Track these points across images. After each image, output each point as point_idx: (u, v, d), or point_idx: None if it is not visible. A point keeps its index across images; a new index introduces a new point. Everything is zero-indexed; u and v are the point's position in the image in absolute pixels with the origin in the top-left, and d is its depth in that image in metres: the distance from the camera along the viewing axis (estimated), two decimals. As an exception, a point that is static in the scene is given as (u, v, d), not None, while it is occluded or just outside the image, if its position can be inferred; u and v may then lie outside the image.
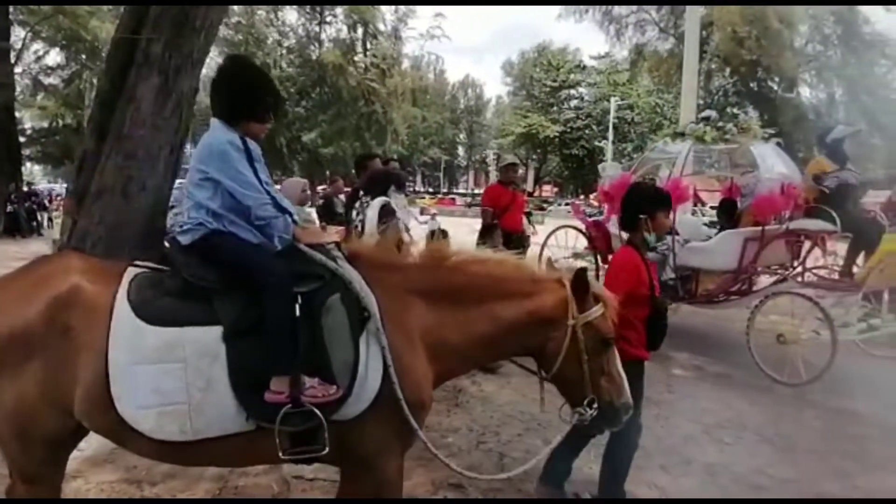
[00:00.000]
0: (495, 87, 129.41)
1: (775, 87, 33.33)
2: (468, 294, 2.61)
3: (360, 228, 4.95)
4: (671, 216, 3.72)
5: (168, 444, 2.28)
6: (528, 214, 8.46)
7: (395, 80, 40.16)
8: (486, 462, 4.16)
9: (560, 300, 2.64)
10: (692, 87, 14.88)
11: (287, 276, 2.40)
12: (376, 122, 39.37)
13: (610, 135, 41.94)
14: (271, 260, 2.48)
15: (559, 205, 40.23)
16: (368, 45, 40.48)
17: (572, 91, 57.77)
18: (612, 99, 44.11)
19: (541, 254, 8.89)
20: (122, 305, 2.30)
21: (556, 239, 8.87)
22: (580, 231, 8.39)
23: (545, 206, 39.83)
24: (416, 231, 5.75)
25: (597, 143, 49.31)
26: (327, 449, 2.32)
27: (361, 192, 5.49)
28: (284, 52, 41.40)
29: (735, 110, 33.46)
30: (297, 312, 2.36)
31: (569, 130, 52.38)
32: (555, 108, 56.08)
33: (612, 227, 7.08)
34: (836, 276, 6.51)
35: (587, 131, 51.63)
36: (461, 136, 74.41)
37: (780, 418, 5.10)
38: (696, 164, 7.92)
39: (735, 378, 6.12)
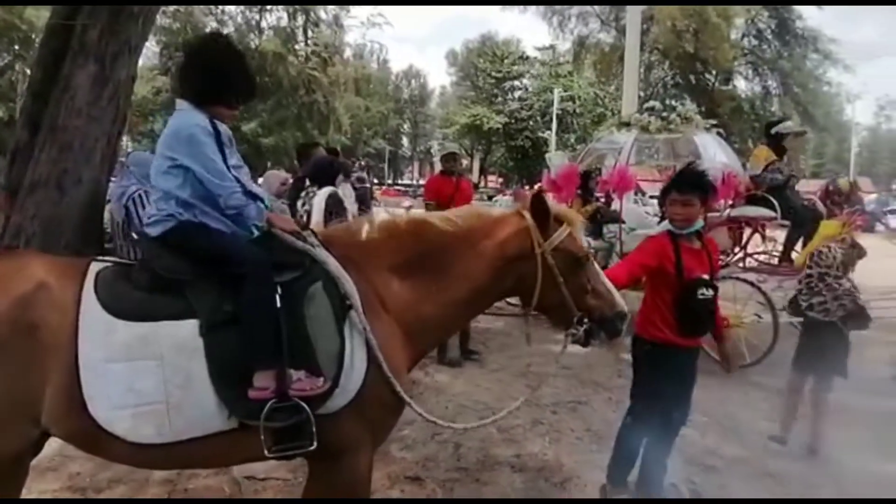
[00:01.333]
0: (439, 77, 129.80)
1: (712, 80, 34.28)
2: (439, 259, 2.54)
3: (305, 219, 4.81)
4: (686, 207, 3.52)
5: (145, 447, 2.13)
6: None
7: (337, 69, 39.69)
8: (441, 453, 4.15)
9: (522, 232, 2.58)
10: (633, 79, 15.16)
11: (266, 264, 2.29)
12: (318, 111, 38.83)
13: (554, 126, 42.42)
14: (248, 248, 2.36)
15: (504, 195, 40.44)
16: (309, 34, 39.82)
17: (516, 82, 58.11)
18: (556, 90, 44.60)
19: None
20: (89, 301, 2.14)
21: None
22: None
23: (491, 197, 40.04)
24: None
25: (541, 134, 49.76)
26: (315, 444, 2.19)
27: (307, 182, 5.33)
28: (223, 40, 40.29)
29: (674, 102, 34.34)
30: (278, 303, 2.24)
31: (513, 121, 52.67)
32: (499, 99, 56.29)
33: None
34: (775, 262, 6.74)
35: (531, 122, 52.02)
36: (405, 126, 73.97)
37: (726, 400, 5.25)
38: (638, 154, 8.07)
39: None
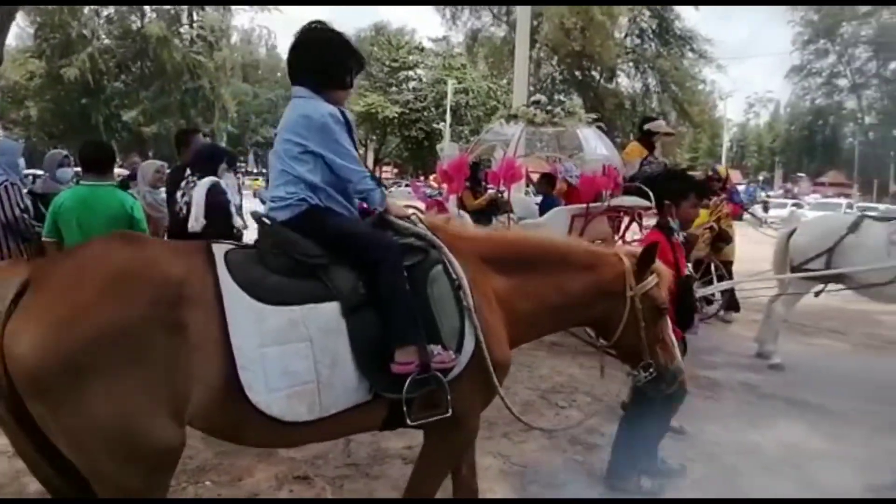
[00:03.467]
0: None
1: (598, 77, 35.70)
2: (536, 265, 2.75)
3: (185, 211, 4.56)
4: (697, 207, 3.86)
5: (297, 425, 2.23)
6: None
7: (224, 54, 38.14)
8: (331, 450, 4.07)
9: (619, 273, 2.83)
10: (523, 74, 15.47)
11: (398, 249, 2.45)
12: (203, 98, 37.15)
13: (448, 117, 42.72)
14: (380, 235, 2.51)
15: (399, 186, 40.41)
16: (195, 16, 37.92)
17: (411, 72, 58.02)
18: (450, 82, 44.91)
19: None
20: (230, 288, 2.16)
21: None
22: (420, 210, 8.44)
23: (388, 188, 39.86)
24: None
25: (435, 125, 50.04)
26: (451, 411, 2.38)
27: (188, 171, 5.05)
28: (103, 21, 37.63)
29: (562, 97, 35.50)
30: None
31: (408, 111, 52.59)
32: (394, 89, 55.98)
33: (452, 206, 7.21)
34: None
35: (426, 113, 52.16)
36: (297, 115, 72.05)
37: (608, 380, 5.47)
38: (527, 146, 8.26)
39: (566, 346, 6.49)
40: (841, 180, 56.16)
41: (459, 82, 47.10)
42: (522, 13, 15.96)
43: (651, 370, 2.90)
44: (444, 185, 7.89)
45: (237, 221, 4.71)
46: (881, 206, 33.18)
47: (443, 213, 7.64)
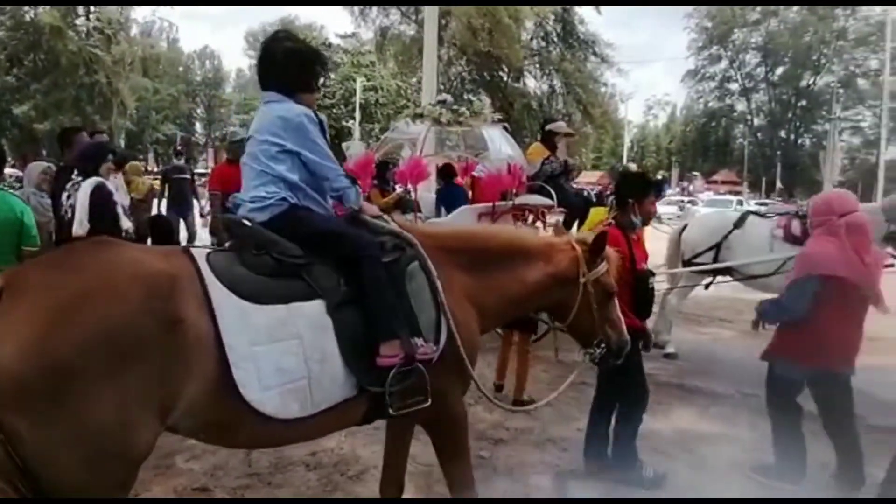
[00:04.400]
0: (236, 59, 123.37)
1: (505, 78, 36.24)
2: (497, 259, 2.88)
3: (70, 215, 4.27)
4: (656, 203, 4.09)
5: (289, 422, 2.25)
6: None
7: (122, 48, 36.07)
8: (231, 460, 3.95)
9: (573, 261, 3.00)
10: (432, 73, 15.47)
11: (377, 247, 2.53)
12: (100, 93, 35.04)
13: (357, 115, 42.35)
14: (360, 232, 2.59)
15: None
16: (91, 8, 35.74)
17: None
18: (359, 79, 44.53)
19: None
20: (217, 288, 2.15)
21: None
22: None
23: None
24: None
25: (345, 123, 49.49)
26: (430, 400, 2.51)
27: (75, 172, 4.74)
28: (-8, 11, 34.81)
29: (471, 96, 35.79)
30: None
31: (316, 108, 51.60)
32: (301, 86, 54.85)
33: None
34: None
35: (334, 110, 51.47)
36: (199, 110, 69.56)
37: (512, 374, 5.57)
38: (437, 145, 8.29)
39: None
40: (732, 178, 59.77)
41: (368, 80, 46.82)
42: (430, 12, 15.94)
43: (602, 346, 3.11)
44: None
45: (125, 224, 4.45)
46: (768, 202, 35.52)
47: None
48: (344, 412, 2.43)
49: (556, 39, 35.54)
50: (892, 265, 5.54)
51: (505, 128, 7.62)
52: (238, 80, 70.52)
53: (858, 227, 3.66)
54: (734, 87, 56.87)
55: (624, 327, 3.20)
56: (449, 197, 7.02)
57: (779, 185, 52.95)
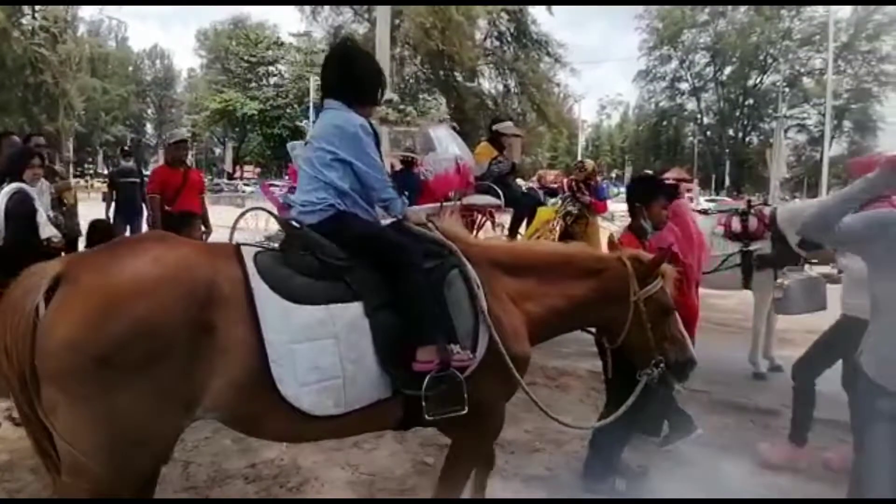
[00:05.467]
0: (187, 59, 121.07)
1: (459, 77, 36.30)
2: (543, 271, 2.86)
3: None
4: (666, 209, 3.93)
5: (322, 419, 2.33)
6: None
7: (69, 47, 35.08)
8: (169, 473, 3.76)
9: (623, 279, 2.90)
10: (385, 71, 15.37)
11: (420, 254, 2.57)
12: (46, 94, 33.98)
13: (311, 115, 41.82)
14: (404, 239, 2.62)
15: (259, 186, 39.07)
16: (37, 7, 34.51)
17: (272, 67, 56.29)
18: (312, 78, 44.04)
19: (230, 238, 8.34)
20: (260, 287, 2.26)
21: (246, 222, 8.48)
22: (272, 213, 8.09)
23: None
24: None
25: (299, 123, 48.91)
26: (466, 408, 2.51)
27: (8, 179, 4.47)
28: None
29: (426, 96, 35.81)
30: None
31: (269, 108, 51.02)
32: (254, 85, 54.11)
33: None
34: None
35: (288, 110, 50.88)
36: (149, 111, 68.01)
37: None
38: (389, 145, 8.18)
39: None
40: (683, 176, 60.77)
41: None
42: (382, 11, 15.80)
43: (661, 367, 2.93)
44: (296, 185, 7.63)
45: (46, 231, 4.19)
46: (718, 198, 36.33)
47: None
48: (377, 412, 2.48)
49: (509, 39, 35.79)
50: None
51: (454, 127, 7.57)
52: (189, 80, 69.06)
53: None
54: (684, 86, 58.12)
55: (689, 346, 3.03)
56: (402, 183, 6.91)
57: (728, 181, 54.22)
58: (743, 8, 50.88)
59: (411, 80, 36.59)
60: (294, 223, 2.62)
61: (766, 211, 6.20)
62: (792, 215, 5.80)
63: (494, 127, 7.45)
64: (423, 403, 2.45)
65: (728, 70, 55.49)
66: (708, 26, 53.74)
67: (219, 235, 7.29)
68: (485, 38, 36.48)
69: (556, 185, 9.49)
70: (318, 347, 2.31)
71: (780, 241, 5.83)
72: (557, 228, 6.99)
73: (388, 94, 7.84)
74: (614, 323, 2.96)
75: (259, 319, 2.21)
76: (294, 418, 2.30)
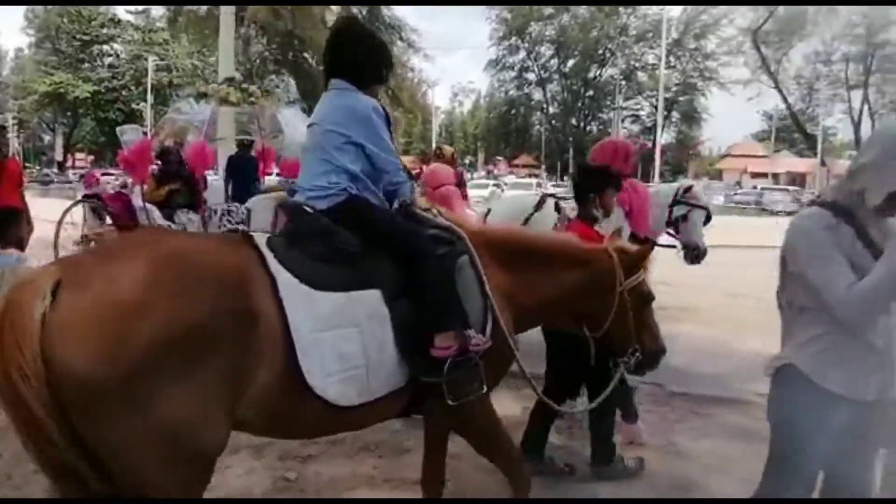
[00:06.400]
0: (13, 38, 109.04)
1: (311, 60, 35.24)
2: (534, 260, 2.80)
3: None
4: (614, 196, 3.95)
5: (346, 409, 2.24)
6: None
7: None
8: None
9: (610, 270, 2.87)
10: (229, 52, 14.42)
11: (431, 240, 2.54)
12: None
13: (149, 97, 39.12)
14: (414, 226, 2.59)
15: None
16: None
17: (106, 47, 51.89)
18: (150, 58, 41.08)
19: (56, 234, 7.36)
20: (282, 274, 2.12)
21: (72, 216, 7.52)
22: (101, 204, 7.24)
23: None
24: None
25: (135, 106, 45.48)
26: (485, 388, 2.50)
27: None
28: None
29: (276, 78, 34.48)
30: None
31: (104, 91, 47.08)
32: (87, 65, 49.65)
33: (137, 198, 6.26)
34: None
35: (125, 92, 47.19)
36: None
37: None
38: (230, 127, 7.57)
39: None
40: (531, 162, 63.72)
41: (162, 59, 43.41)
42: (224, -15, 14.83)
43: (637, 355, 2.98)
44: (128, 173, 6.85)
45: None
46: (564, 184, 38.15)
47: (121, 206, 6.63)
48: (393, 401, 2.43)
49: (362, 22, 35.23)
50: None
51: (303, 109, 7.13)
52: (17, 61, 61.82)
53: None
54: (531, 76, 60.54)
55: (660, 334, 3.08)
56: (239, 169, 6.40)
57: (572, 168, 57.33)
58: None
59: (258, 61, 35.11)
60: (306, 207, 2.49)
61: None
62: None
63: None
64: (445, 388, 2.42)
65: (571, 63, 58.47)
66: (553, 20, 56.19)
67: (44, 232, 6.39)
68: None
69: (416, 172, 9.26)
70: (343, 335, 2.22)
71: None
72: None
73: (230, 73, 7.26)
74: (599, 313, 2.95)
75: (284, 307, 2.08)
76: (319, 411, 2.20)
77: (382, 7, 34.73)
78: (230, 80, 6.76)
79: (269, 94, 6.63)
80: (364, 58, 2.64)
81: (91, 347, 1.71)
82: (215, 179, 7.03)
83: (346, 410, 2.26)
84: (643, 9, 51.00)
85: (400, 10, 34.52)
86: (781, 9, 47.14)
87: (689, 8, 49.62)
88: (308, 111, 7.34)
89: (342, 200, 2.50)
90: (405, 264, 2.44)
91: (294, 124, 6.51)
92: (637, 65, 55.98)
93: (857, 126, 50.35)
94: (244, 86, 6.60)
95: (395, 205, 2.77)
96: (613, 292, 2.90)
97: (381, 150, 2.57)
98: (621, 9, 52.56)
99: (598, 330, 2.99)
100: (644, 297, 3.01)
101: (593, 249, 3.02)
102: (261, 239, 2.25)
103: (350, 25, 2.77)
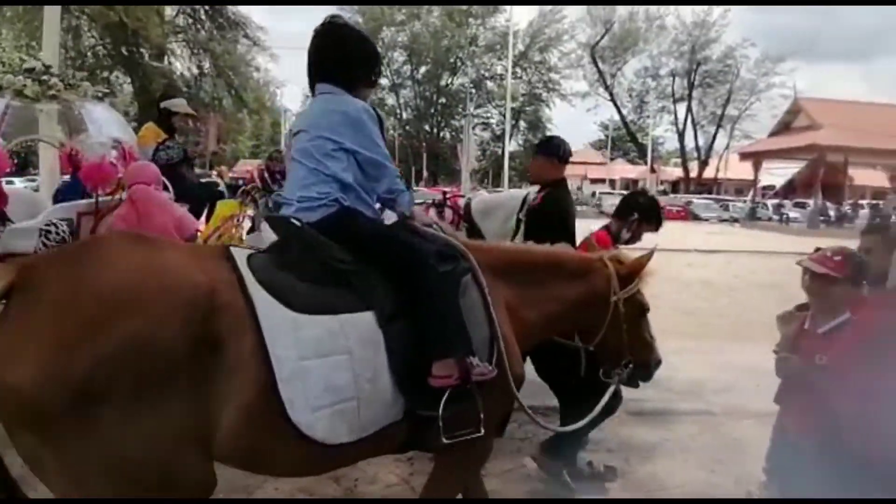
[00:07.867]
0: None
1: (146, 54, 32.95)
2: (536, 275, 2.71)
3: None
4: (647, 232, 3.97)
5: (334, 448, 2.01)
6: None
7: None
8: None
9: (606, 279, 2.82)
10: (54, 43, 12.94)
11: (432, 256, 2.31)
12: None
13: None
14: (417, 240, 2.39)
15: None
16: None
17: None
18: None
19: None
20: (260, 296, 1.94)
21: None
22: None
23: None
24: None
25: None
26: (483, 430, 2.25)
27: None
28: None
29: (107, 73, 31.90)
30: None
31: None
32: None
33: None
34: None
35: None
36: None
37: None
38: (24, 125, 6.66)
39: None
40: (388, 168, 63.82)
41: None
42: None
43: (630, 366, 2.92)
44: None
45: None
46: (417, 189, 38.49)
47: None
48: (385, 438, 2.19)
49: (203, 18, 33.48)
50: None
51: (112, 104, 6.47)
52: None
53: None
54: (384, 82, 60.60)
55: (656, 347, 3.03)
56: (69, 193, 5.61)
57: (426, 173, 58.10)
58: (436, 12, 54.66)
59: (89, 55, 32.30)
60: (293, 220, 2.30)
61: (461, 202, 6.35)
62: (485, 206, 6.00)
63: (162, 104, 6.34)
64: (440, 424, 2.15)
65: (423, 69, 59.24)
66: (405, 26, 56.65)
67: None
68: (176, 15, 33.63)
69: (246, 177, 8.76)
70: (332, 364, 2.01)
71: (475, 232, 5.99)
72: (244, 224, 6.39)
73: (31, 63, 6.44)
74: (594, 324, 2.89)
75: (263, 333, 1.89)
76: (304, 449, 1.98)
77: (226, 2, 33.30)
78: (30, 71, 5.98)
79: (73, 87, 5.92)
80: (353, 60, 2.53)
81: (36, 363, 1.62)
82: (24, 187, 6.18)
83: (334, 449, 2.05)
84: (492, 21, 52.85)
85: (244, 7, 33.17)
86: (617, 25, 50.97)
87: (535, 22, 52.14)
88: (141, 110, 6.68)
89: (333, 212, 2.33)
90: (403, 282, 2.24)
91: (100, 121, 5.87)
92: (486, 74, 57.90)
93: (681, 136, 55.97)
94: (44, 78, 5.86)
95: (387, 214, 2.64)
96: (608, 302, 2.85)
97: (377, 156, 2.42)
98: (471, 19, 54.10)
99: (591, 341, 2.95)
100: (640, 308, 2.96)
101: (589, 259, 2.98)
102: (240, 255, 2.08)
103: (334, 26, 2.56)
